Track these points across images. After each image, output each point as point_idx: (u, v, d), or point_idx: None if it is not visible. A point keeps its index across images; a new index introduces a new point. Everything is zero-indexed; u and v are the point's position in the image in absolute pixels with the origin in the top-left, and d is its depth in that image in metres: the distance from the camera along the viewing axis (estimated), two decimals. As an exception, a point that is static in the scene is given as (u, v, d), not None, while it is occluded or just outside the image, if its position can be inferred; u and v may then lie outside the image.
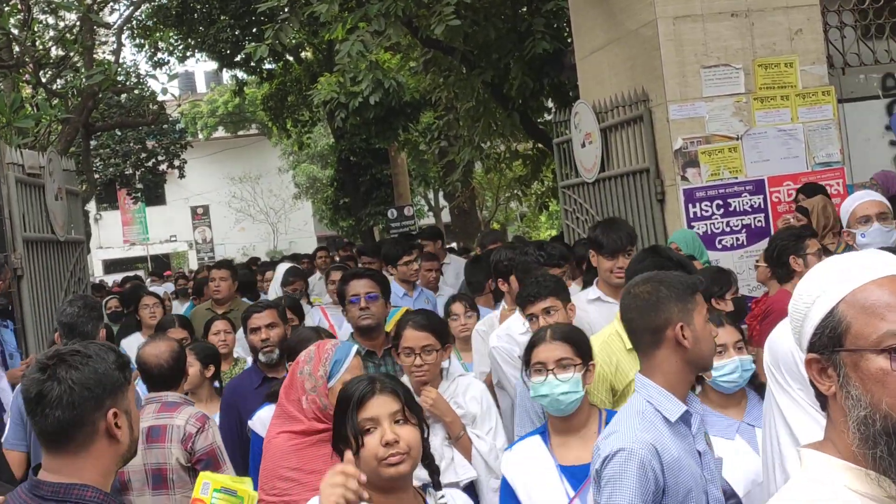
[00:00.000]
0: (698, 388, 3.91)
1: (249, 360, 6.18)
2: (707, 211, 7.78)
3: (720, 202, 7.79)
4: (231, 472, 4.31)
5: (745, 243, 7.76)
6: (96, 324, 4.40)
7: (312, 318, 7.80)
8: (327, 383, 3.53)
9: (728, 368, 3.97)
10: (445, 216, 29.98)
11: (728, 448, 3.81)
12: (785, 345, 3.37)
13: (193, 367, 5.34)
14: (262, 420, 4.36)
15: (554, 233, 17.90)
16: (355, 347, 3.74)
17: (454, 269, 10.15)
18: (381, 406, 2.79)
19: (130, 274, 25.50)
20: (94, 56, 19.24)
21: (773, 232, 7.87)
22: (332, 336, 4.57)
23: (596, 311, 5.20)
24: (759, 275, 7.02)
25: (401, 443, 2.74)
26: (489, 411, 4.48)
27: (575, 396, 3.65)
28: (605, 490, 2.96)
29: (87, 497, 2.39)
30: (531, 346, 3.79)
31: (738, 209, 7.83)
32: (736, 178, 7.81)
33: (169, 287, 17.39)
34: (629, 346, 4.03)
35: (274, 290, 8.19)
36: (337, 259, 13.79)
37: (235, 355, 6.69)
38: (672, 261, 4.18)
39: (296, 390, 3.58)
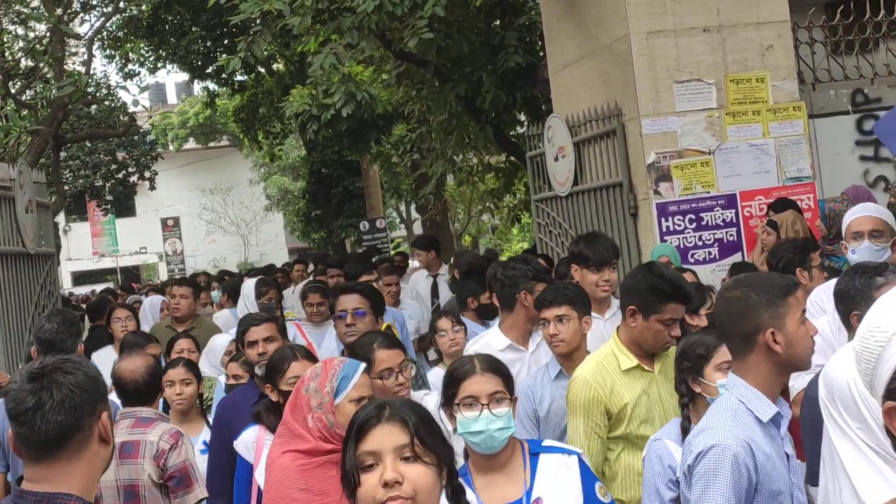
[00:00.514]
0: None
1: (222, 379, 6.03)
2: (679, 225, 7.82)
3: (693, 216, 7.84)
4: (203, 490, 4.28)
5: (717, 257, 7.80)
6: (75, 340, 4.37)
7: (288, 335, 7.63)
8: (334, 400, 3.40)
9: None
10: (418, 228, 29.96)
11: None
12: (841, 378, 3.01)
13: (192, 384, 5.28)
14: (245, 443, 4.22)
15: (526, 245, 17.93)
16: (363, 365, 3.60)
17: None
18: (384, 437, 2.34)
19: (104, 286, 25.22)
20: (65, 67, 19.09)
21: (745, 246, 7.93)
22: (310, 355, 4.42)
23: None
24: None
25: (404, 484, 2.25)
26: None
27: (508, 433, 3.37)
28: (696, 486, 2.93)
29: None
30: (457, 379, 3.46)
31: (710, 223, 7.87)
32: (708, 192, 7.86)
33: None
34: (625, 366, 4.11)
35: (245, 306, 7.91)
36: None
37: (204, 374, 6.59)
38: (665, 278, 4.11)
39: (301, 408, 3.44)
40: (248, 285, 8.05)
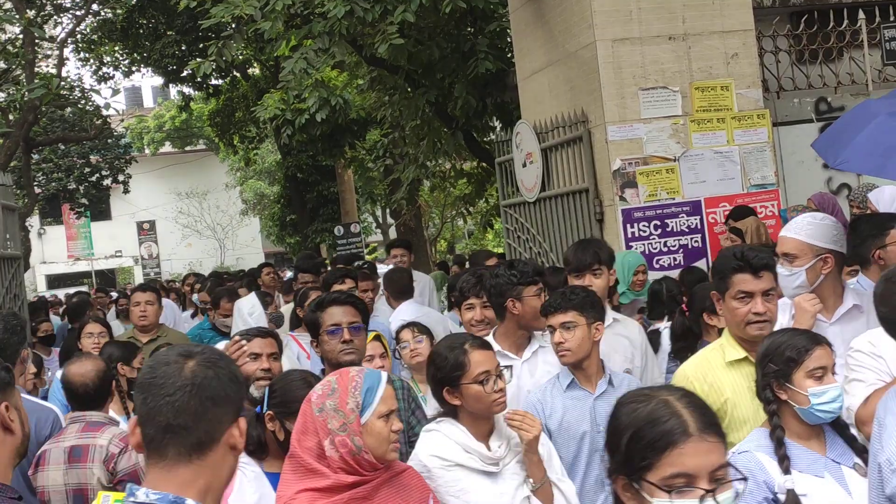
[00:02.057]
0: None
1: None
2: (645, 231, 7.87)
3: (658, 223, 7.89)
4: None
5: (682, 263, 7.85)
6: (16, 348, 4.34)
7: (291, 349, 6.53)
8: (360, 418, 2.93)
9: (829, 395, 3.30)
10: (393, 233, 29.96)
11: (818, 487, 3.27)
12: None
13: None
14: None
15: (501, 250, 17.99)
16: (385, 374, 3.14)
17: (418, 287, 9.65)
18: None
19: (80, 289, 25.00)
20: (37, 70, 19.01)
21: (709, 252, 7.99)
22: (316, 377, 3.77)
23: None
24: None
25: None
26: (548, 445, 3.85)
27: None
28: None
29: None
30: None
31: (675, 230, 7.93)
32: (673, 198, 7.92)
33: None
34: (730, 357, 3.80)
35: (245, 321, 7.11)
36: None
37: None
38: (724, 254, 3.94)
39: (313, 433, 2.92)
40: (250, 301, 7.31)
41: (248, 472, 3.53)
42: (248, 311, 7.11)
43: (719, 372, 3.77)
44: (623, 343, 4.92)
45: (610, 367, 4.44)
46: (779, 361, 3.29)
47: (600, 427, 4.22)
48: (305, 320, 4.91)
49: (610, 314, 4.96)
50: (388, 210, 28.51)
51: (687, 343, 5.41)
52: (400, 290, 7.86)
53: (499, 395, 3.57)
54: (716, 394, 3.70)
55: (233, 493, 3.41)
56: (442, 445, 3.56)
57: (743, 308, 3.76)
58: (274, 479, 3.39)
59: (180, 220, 43.51)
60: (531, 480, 3.59)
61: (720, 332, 5.29)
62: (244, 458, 3.47)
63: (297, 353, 6.50)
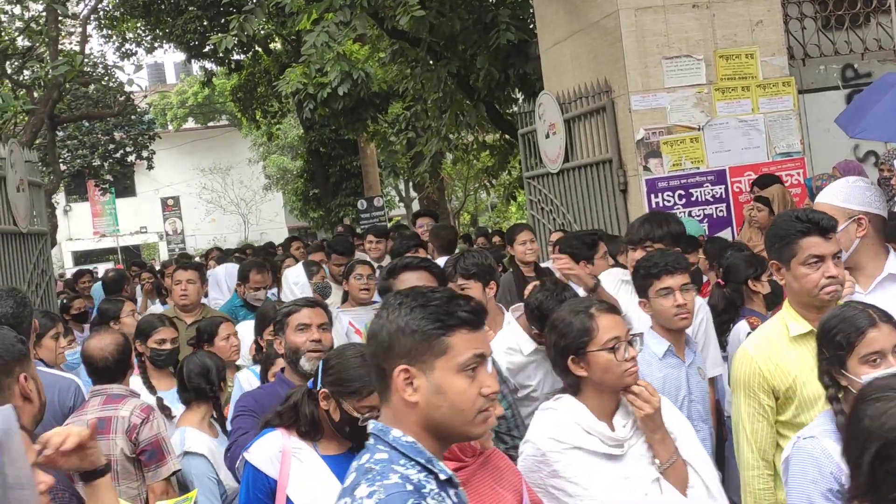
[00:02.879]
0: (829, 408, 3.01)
1: (241, 375, 5.20)
2: (669, 201, 7.84)
3: (682, 192, 7.86)
4: (175, 463, 4.30)
5: (706, 233, 7.82)
6: (28, 320, 4.36)
7: (340, 322, 6.19)
8: None
9: None
10: (416, 206, 29.97)
11: None
12: None
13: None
14: (266, 454, 3.26)
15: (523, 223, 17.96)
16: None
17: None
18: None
19: (106, 266, 25.07)
20: (61, 47, 19.08)
21: (734, 221, 7.95)
22: None
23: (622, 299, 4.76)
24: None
25: None
26: (679, 419, 3.47)
27: None
28: None
29: None
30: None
31: (699, 199, 7.90)
32: (698, 168, 7.88)
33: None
34: (795, 332, 3.50)
35: (292, 291, 6.71)
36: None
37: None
38: (786, 217, 3.60)
39: None
40: (295, 272, 6.87)
41: (303, 458, 3.23)
42: (293, 280, 6.72)
43: (784, 349, 3.48)
44: None
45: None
46: (830, 347, 2.99)
47: (693, 395, 4.18)
48: (379, 288, 4.65)
49: None
50: (410, 183, 28.50)
51: (729, 316, 5.29)
52: (445, 244, 8.07)
53: (630, 365, 3.20)
54: (782, 374, 3.44)
55: (288, 484, 3.18)
56: (559, 426, 3.21)
57: (814, 273, 3.44)
58: (331, 462, 3.20)
59: (204, 195, 43.61)
60: (657, 461, 3.22)
61: (766, 298, 5.26)
62: (297, 443, 3.23)
63: (346, 328, 6.23)
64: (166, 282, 8.10)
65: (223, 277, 9.25)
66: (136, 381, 5.15)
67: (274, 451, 3.23)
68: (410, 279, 4.04)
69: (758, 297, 5.32)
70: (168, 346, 5.39)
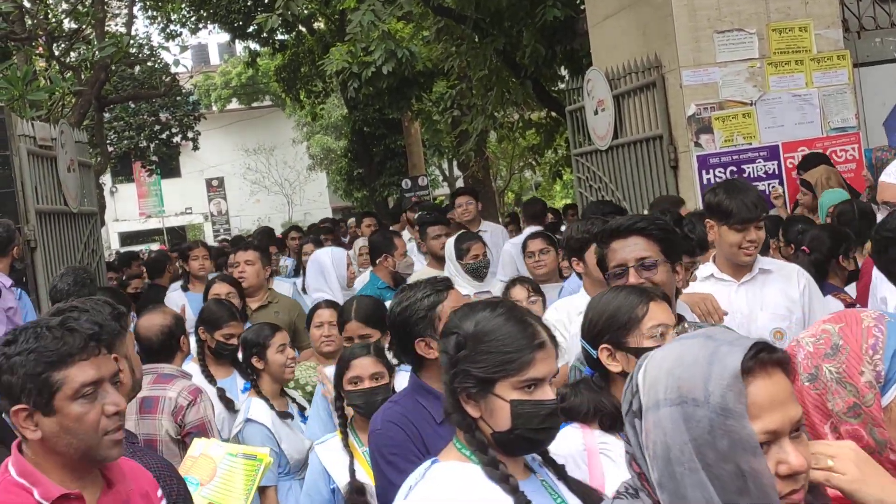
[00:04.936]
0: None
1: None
2: (721, 177, 7.72)
3: (734, 168, 7.74)
4: None
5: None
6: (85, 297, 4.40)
7: None
8: (881, 397, 1.86)
9: None
10: (460, 185, 29.93)
11: None
12: None
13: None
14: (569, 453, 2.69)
15: (569, 201, 17.85)
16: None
17: (490, 238, 8.37)
18: None
19: (151, 246, 25.18)
20: (106, 28, 19.20)
21: (787, 197, 7.81)
22: None
23: (710, 290, 4.16)
24: None
25: None
26: None
27: None
28: None
29: None
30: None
31: (752, 175, 7.77)
32: (750, 143, 7.76)
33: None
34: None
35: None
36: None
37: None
38: None
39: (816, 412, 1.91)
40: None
41: (616, 455, 2.67)
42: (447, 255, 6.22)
43: None
44: (772, 299, 4.31)
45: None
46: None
47: None
48: (597, 260, 3.67)
49: (755, 266, 4.35)
50: (455, 162, 28.44)
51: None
52: (534, 215, 9.19)
53: None
54: None
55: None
56: None
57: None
58: None
59: (248, 176, 43.83)
60: None
61: (851, 275, 5.04)
62: (603, 437, 2.75)
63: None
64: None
65: (330, 264, 7.62)
66: (193, 368, 5.11)
67: (577, 448, 2.72)
68: (626, 246, 3.37)
69: (842, 272, 5.17)
70: (234, 342, 5.17)
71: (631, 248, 3.30)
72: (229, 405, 4.98)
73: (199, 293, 7.69)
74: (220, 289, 6.11)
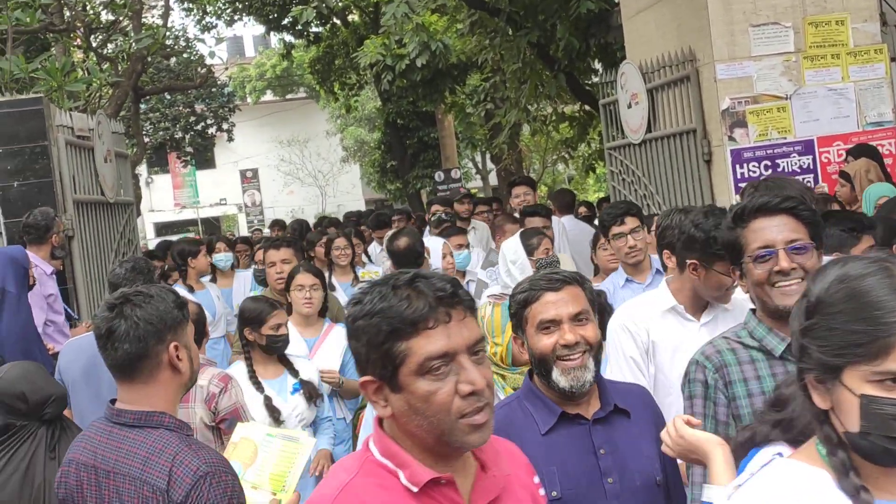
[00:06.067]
0: None
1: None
2: (755, 172, 7.69)
3: (768, 163, 7.70)
4: None
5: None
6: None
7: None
8: None
9: None
10: (493, 179, 29.91)
11: None
12: None
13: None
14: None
15: (602, 195, 17.83)
16: None
17: (478, 237, 9.31)
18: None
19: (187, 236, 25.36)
20: (143, 20, 19.35)
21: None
22: None
23: None
24: None
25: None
26: None
27: None
28: None
29: (166, 422, 2.78)
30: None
31: (786, 170, 7.73)
32: (784, 138, 7.71)
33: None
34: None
35: (509, 271, 5.78)
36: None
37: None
38: None
39: None
40: (512, 246, 5.69)
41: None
42: (511, 258, 5.70)
43: None
44: None
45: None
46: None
47: None
48: (723, 242, 3.18)
49: None
50: (488, 155, 28.44)
51: None
52: (565, 205, 9.46)
53: None
54: None
55: None
56: None
57: None
58: None
59: (282, 167, 44.03)
60: None
61: None
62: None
63: None
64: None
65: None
66: (240, 370, 5.07)
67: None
68: (768, 227, 2.92)
69: None
70: (284, 330, 5.09)
71: (780, 228, 2.89)
72: (275, 414, 4.88)
73: (202, 290, 8.23)
74: (305, 280, 5.89)
